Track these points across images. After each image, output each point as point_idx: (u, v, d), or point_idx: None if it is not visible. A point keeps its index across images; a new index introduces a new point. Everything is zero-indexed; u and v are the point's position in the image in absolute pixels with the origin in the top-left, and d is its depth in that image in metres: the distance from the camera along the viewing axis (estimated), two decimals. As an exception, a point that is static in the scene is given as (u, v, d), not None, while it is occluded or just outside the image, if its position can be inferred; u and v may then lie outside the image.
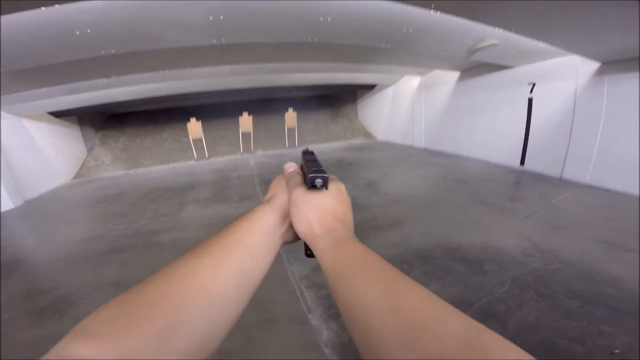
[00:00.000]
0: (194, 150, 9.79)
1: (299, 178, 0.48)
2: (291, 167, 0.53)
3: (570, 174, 4.94)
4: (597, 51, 3.92)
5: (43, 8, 2.16)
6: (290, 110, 10.18)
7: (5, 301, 2.79)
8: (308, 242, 0.44)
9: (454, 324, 0.27)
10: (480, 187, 4.86)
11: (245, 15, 3.04)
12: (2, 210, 5.91)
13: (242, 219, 0.44)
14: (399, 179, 5.75)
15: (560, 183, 4.89)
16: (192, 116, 9.58)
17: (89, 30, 2.73)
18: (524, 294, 2.32)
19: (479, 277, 2.58)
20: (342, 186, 0.48)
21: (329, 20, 3.36)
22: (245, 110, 10.01)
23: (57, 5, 2.18)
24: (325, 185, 0.45)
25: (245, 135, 10.26)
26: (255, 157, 9.48)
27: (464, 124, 7.16)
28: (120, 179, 8.19)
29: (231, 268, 0.38)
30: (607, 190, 4.43)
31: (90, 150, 10.02)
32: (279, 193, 0.49)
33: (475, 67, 6.50)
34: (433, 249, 3.05)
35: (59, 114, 8.30)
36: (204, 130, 9.78)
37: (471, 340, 0.25)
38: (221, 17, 2.98)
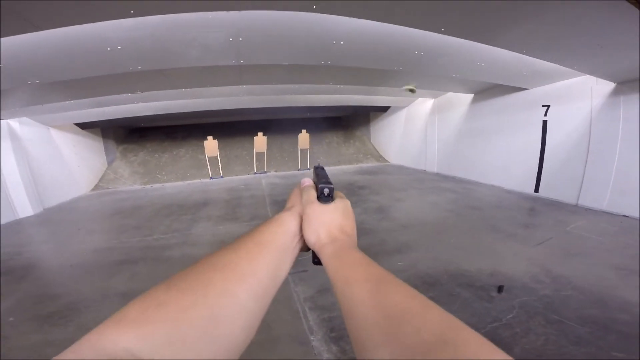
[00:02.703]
0: (209, 168, 10.02)
1: (312, 193, 0.53)
2: (306, 182, 0.58)
3: (587, 200, 4.80)
4: (611, 71, 3.91)
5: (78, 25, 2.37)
6: (304, 131, 10.32)
7: (14, 304, 2.87)
8: (316, 251, 0.48)
9: (432, 319, 0.29)
10: (493, 214, 4.78)
11: (263, 37, 3.23)
12: (21, 216, 6.20)
13: (271, 222, 0.49)
14: (409, 204, 5.71)
15: (576, 210, 4.77)
16: (210, 134, 9.85)
17: (119, 47, 2.96)
18: (531, 320, 2.27)
19: (486, 304, 2.52)
20: (348, 202, 0.54)
21: (342, 43, 3.50)
22: (260, 130, 10.26)
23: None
24: (331, 194, 0.52)
25: (259, 155, 10.43)
26: (268, 178, 9.60)
27: (478, 148, 7.09)
28: (137, 193, 8.43)
29: (264, 263, 0.41)
30: (625, 216, 4.30)
31: (110, 162, 10.41)
32: (297, 203, 0.54)
33: (489, 89, 6.50)
34: (440, 275, 3.01)
35: (84, 126, 8.75)
36: (220, 149, 10.02)
37: (447, 335, 0.27)
38: (240, 39, 3.17)
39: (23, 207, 6.24)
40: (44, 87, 4.06)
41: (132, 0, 2.02)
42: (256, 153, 10.33)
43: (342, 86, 6.77)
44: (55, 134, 7.85)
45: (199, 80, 5.08)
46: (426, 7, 2.49)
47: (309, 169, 10.58)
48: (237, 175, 10.22)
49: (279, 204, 6.13)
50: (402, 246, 3.73)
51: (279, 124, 11.89)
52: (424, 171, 9.07)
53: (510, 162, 6.19)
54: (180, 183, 9.63)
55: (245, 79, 5.16)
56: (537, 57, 3.62)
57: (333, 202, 0.52)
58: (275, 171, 10.57)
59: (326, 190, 0.52)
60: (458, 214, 4.92)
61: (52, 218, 6.24)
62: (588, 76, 4.64)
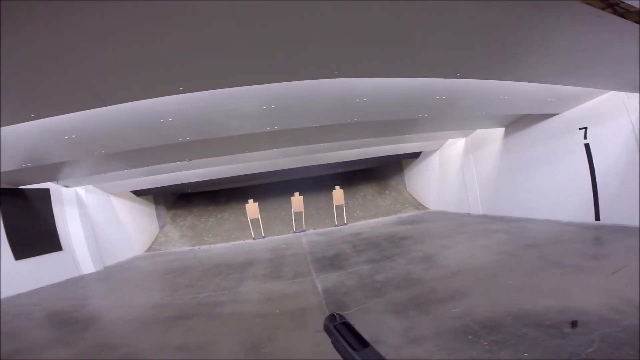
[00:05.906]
0: (251, 230, 10.33)
1: None
2: None
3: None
4: (634, 83, 3.71)
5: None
6: (337, 187, 10.48)
7: (79, 351, 3.09)
8: None
9: None
10: (553, 250, 4.38)
11: (292, 104, 3.60)
12: (84, 273, 6.99)
13: None
14: (457, 250, 5.43)
15: (647, 231, 4.22)
16: (249, 197, 10.36)
17: (170, 119, 3.44)
18: (618, 352, 2.02)
19: (559, 341, 2.27)
20: None
21: (365, 100, 3.77)
22: (296, 189, 10.61)
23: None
24: None
25: (297, 214, 10.60)
26: (307, 236, 9.61)
27: (522, 183, 6.71)
28: (186, 254, 8.88)
29: None
30: None
31: (162, 227, 11.28)
32: None
33: (519, 120, 6.37)
34: (502, 318, 2.76)
35: (138, 193, 9.80)
36: (260, 210, 10.40)
37: None
38: (272, 107, 3.55)
39: (86, 264, 7.04)
40: (106, 157, 4.70)
41: (181, 80, 2.44)
42: (294, 212, 10.55)
43: (370, 139, 7.01)
44: (114, 200, 8.91)
45: (238, 146, 5.60)
46: (437, 58, 2.69)
47: (345, 224, 10.47)
48: (277, 235, 10.37)
49: (320, 262, 6.08)
50: (455, 293, 3.50)
51: (313, 182, 12.21)
52: (468, 214, 8.61)
53: (561, 192, 5.73)
54: (225, 244, 9.97)
55: (279, 142, 5.59)
56: (556, 83, 3.61)
57: None
58: (314, 229, 10.55)
59: None
60: (513, 255, 4.56)
61: (112, 275, 6.86)
62: (615, 92, 4.46)
